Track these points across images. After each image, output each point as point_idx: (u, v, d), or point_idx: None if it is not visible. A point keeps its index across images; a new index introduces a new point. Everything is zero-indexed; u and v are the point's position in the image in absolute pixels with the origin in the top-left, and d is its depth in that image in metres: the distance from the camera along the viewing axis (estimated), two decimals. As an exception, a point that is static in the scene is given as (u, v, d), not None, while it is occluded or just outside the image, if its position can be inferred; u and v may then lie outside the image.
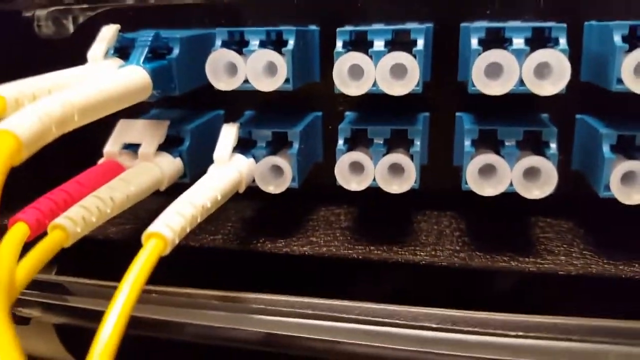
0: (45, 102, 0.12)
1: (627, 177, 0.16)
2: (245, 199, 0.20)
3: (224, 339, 0.16)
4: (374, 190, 0.17)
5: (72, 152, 0.18)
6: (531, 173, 0.16)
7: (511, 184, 0.16)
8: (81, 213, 0.14)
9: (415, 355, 0.15)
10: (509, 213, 0.20)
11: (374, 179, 0.17)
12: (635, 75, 0.15)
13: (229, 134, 0.18)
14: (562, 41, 0.16)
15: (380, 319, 0.16)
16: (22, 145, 0.11)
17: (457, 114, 0.19)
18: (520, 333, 0.16)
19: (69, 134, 0.13)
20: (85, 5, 0.22)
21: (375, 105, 0.19)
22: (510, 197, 0.17)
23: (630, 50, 0.15)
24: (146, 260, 0.13)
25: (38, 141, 0.12)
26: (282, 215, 0.21)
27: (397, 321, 0.16)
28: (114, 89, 0.15)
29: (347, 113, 0.20)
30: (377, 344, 0.16)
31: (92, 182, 0.16)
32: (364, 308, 0.16)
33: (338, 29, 0.17)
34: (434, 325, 0.16)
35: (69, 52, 0.18)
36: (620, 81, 0.15)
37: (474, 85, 0.16)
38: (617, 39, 0.16)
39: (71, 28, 0.22)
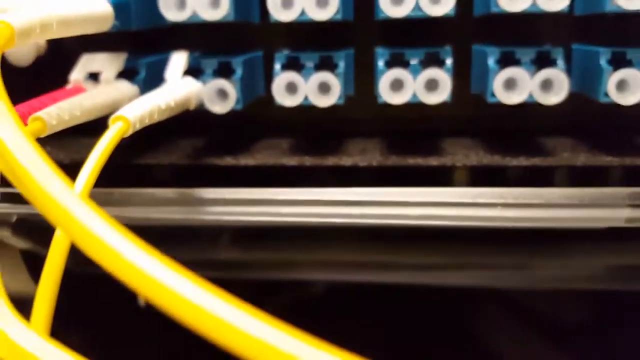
0: (35, 7, 0.15)
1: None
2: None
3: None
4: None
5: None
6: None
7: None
8: (56, 111, 0.17)
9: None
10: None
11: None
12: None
13: (179, 58, 0.21)
14: None
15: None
16: (14, 33, 0.14)
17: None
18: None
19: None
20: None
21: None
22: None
23: None
24: (113, 137, 0.16)
25: (26, 35, 0.15)
26: (229, 142, 0.24)
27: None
28: (86, 11, 0.18)
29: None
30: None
31: (63, 97, 0.19)
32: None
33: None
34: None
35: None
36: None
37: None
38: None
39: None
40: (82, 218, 0.10)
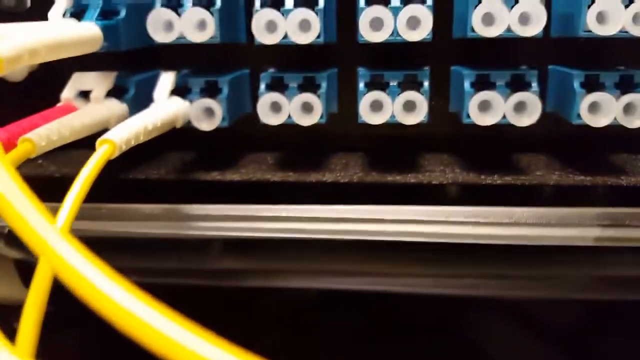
0: (23, 34, 0.16)
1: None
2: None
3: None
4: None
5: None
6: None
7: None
8: (45, 132, 0.18)
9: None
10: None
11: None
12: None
13: (166, 78, 0.22)
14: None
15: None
16: (3, 62, 0.15)
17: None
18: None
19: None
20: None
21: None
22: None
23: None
24: (99, 159, 0.16)
25: (14, 62, 0.15)
26: (216, 157, 0.24)
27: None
28: (74, 35, 0.18)
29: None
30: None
31: (53, 116, 0.20)
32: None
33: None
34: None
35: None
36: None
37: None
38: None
39: (29, 3, 0.26)
40: (62, 253, 0.11)
